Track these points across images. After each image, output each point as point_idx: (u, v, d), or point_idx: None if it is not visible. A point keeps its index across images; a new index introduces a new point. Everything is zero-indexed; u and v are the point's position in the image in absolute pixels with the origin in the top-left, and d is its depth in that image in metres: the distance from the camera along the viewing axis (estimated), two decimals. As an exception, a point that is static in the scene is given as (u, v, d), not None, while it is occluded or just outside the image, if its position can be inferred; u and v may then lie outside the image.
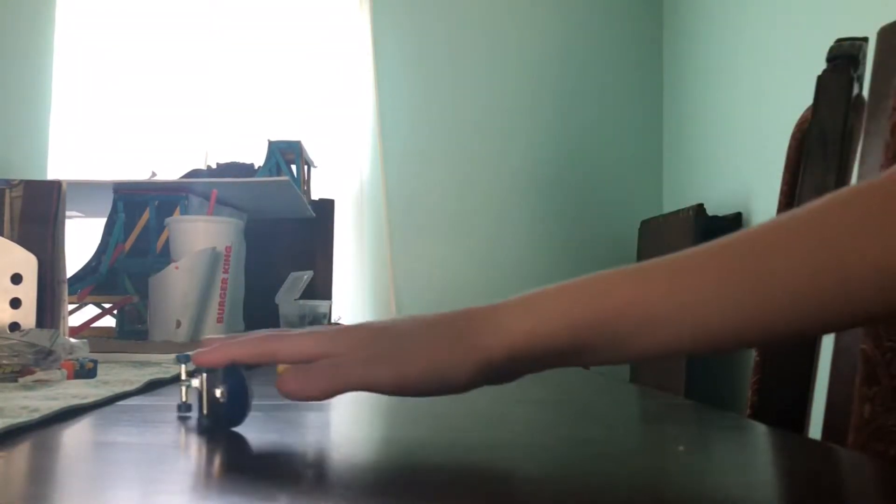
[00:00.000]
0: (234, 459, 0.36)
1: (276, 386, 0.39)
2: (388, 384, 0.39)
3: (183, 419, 0.44)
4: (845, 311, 0.39)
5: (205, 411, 0.41)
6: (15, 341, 0.59)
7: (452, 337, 0.39)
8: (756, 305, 0.38)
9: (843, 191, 0.41)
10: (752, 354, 0.80)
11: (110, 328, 1.13)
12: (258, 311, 1.39)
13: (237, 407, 0.41)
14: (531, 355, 0.39)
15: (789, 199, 0.81)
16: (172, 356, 0.78)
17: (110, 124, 2.74)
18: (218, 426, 0.41)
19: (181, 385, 0.44)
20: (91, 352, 0.68)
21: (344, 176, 2.81)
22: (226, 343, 0.41)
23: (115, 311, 1.12)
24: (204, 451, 0.38)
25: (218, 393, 0.40)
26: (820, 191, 0.75)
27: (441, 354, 0.39)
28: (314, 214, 1.43)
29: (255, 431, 0.43)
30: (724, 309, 0.38)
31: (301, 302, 1.33)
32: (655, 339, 0.39)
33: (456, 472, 0.35)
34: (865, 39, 0.77)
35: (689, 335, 0.39)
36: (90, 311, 1.11)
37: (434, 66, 2.96)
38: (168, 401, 0.54)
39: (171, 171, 1.38)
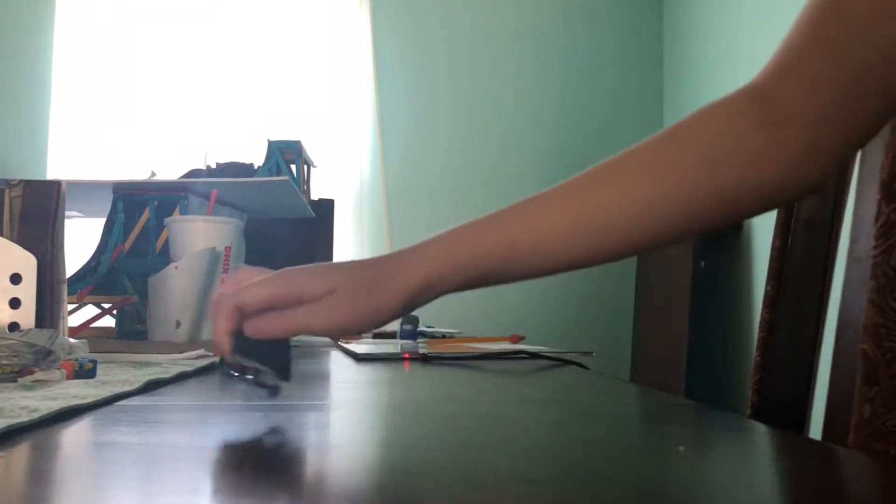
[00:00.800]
0: (233, 459, 0.36)
1: (246, 329, 0.48)
2: (341, 329, 0.49)
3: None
4: (661, 236, 0.51)
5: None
6: (14, 341, 0.59)
7: (384, 281, 0.49)
8: (595, 237, 0.51)
9: (673, 129, 0.53)
10: (753, 355, 0.80)
11: (110, 328, 1.13)
12: (258, 311, 1.39)
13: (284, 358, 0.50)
14: (427, 292, 0.50)
15: (789, 199, 0.81)
16: (172, 356, 0.78)
17: (110, 124, 2.74)
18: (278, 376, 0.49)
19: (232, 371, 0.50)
20: (91, 352, 0.67)
21: (344, 176, 2.81)
22: (278, 320, 0.49)
23: (114, 311, 1.12)
24: (204, 451, 0.38)
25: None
26: (820, 191, 0.75)
27: (376, 300, 0.49)
28: (314, 214, 1.43)
29: (255, 431, 0.43)
30: (569, 242, 0.52)
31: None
32: (521, 269, 0.52)
33: (456, 472, 0.35)
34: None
35: (545, 264, 0.52)
36: (90, 311, 1.11)
37: (434, 66, 2.96)
38: (168, 401, 0.54)
39: (170, 171, 1.39)
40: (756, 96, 0.50)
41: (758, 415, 0.76)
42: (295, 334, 0.48)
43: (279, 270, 0.50)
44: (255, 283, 0.49)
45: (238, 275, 0.52)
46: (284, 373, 0.50)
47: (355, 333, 0.51)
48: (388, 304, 0.49)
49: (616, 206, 0.51)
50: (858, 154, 0.75)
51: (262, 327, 0.48)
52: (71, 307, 1.05)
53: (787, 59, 0.50)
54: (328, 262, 0.55)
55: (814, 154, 0.48)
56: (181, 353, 0.80)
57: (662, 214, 0.50)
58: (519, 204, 0.54)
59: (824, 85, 0.48)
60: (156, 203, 1.11)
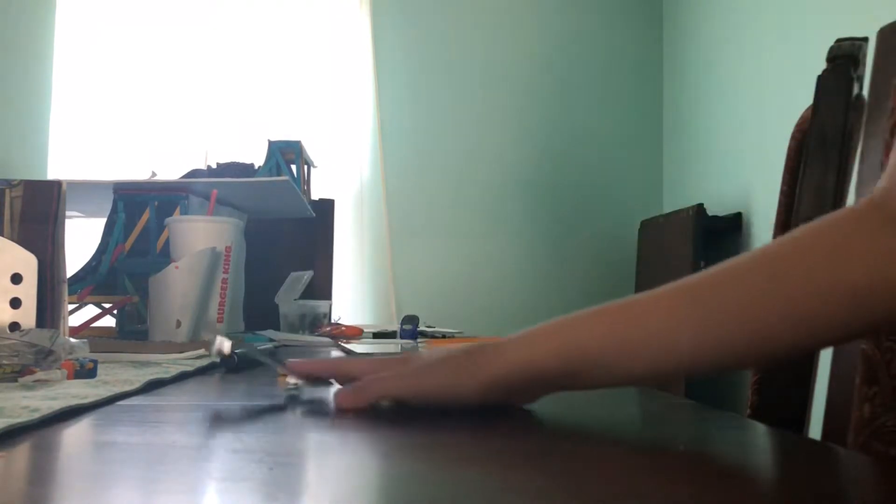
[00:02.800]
0: (233, 459, 0.36)
1: (334, 400, 0.50)
2: (412, 395, 0.49)
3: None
4: (794, 339, 0.46)
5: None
6: (15, 341, 0.59)
7: (465, 362, 0.50)
8: (715, 337, 0.46)
9: (793, 231, 0.49)
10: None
11: (110, 328, 1.13)
12: (258, 311, 1.39)
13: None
14: (526, 378, 0.49)
15: (789, 199, 0.81)
16: (172, 356, 0.78)
17: (110, 124, 2.74)
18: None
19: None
20: (91, 352, 0.68)
21: (344, 176, 2.81)
22: (312, 361, 0.58)
23: (115, 311, 1.12)
24: (204, 451, 0.38)
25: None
26: (820, 191, 0.75)
27: (454, 374, 0.49)
28: (314, 214, 1.43)
29: (256, 431, 0.43)
30: (687, 341, 0.47)
31: (301, 302, 1.33)
32: (634, 365, 0.48)
33: (455, 472, 0.35)
34: (865, 39, 0.77)
35: (661, 362, 0.48)
36: (90, 311, 1.10)
37: (434, 66, 2.96)
38: (168, 401, 0.54)
39: (171, 171, 1.39)
40: (874, 203, 0.48)
41: (758, 415, 0.76)
42: (378, 399, 0.50)
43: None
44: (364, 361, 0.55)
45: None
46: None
47: (439, 404, 0.49)
48: (477, 378, 0.49)
49: (743, 300, 0.46)
50: (858, 154, 0.75)
51: (352, 402, 0.50)
52: (71, 307, 1.05)
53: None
54: (424, 354, 0.56)
55: None
56: (181, 353, 0.80)
57: (788, 313, 0.45)
58: (635, 297, 0.49)
59: None
60: (156, 203, 1.11)
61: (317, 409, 0.51)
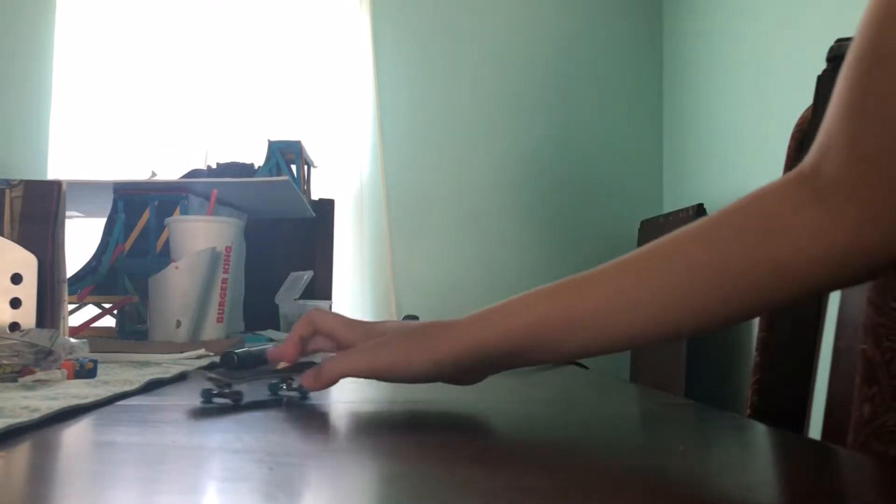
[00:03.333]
0: (233, 459, 0.36)
1: (302, 384, 0.52)
2: (367, 370, 0.51)
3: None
4: (725, 309, 0.48)
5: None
6: (15, 341, 0.59)
7: (419, 340, 0.52)
8: (654, 308, 0.48)
9: (728, 206, 0.51)
10: (753, 354, 0.80)
11: (110, 328, 1.13)
12: (258, 311, 1.39)
13: None
14: (476, 358, 0.50)
15: (789, 199, 0.81)
16: (172, 356, 0.78)
17: (110, 124, 2.74)
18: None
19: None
20: (91, 352, 0.68)
21: (344, 176, 2.81)
22: (280, 346, 0.57)
23: (115, 311, 1.12)
24: (204, 451, 0.38)
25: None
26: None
27: (404, 353, 0.51)
28: (314, 214, 1.43)
29: (255, 431, 0.43)
30: (628, 314, 0.49)
31: (301, 302, 1.33)
32: (577, 341, 0.50)
33: (453, 471, 0.35)
34: (865, 39, 0.76)
35: (603, 337, 0.49)
36: (90, 311, 1.10)
37: (434, 66, 2.96)
38: (168, 401, 0.54)
39: (171, 171, 1.39)
40: (803, 175, 0.49)
41: (758, 415, 0.76)
42: (339, 378, 0.52)
43: (346, 320, 0.56)
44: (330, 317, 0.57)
45: (311, 312, 0.58)
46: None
47: (392, 379, 0.52)
48: (429, 356, 0.50)
49: (676, 272, 0.48)
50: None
51: (314, 384, 0.52)
52: (71, 307, 1.04)
53: (829, 135, 0.48)
54: (389, 322, 0.57)
55: (871, 222, 0.46)
56: (181, 352, 0.80)
57: (721, 285, 0.48)
58: (580, 275, 0.52)
59: (871, 153, 0.46)
60: (156, 203, 1.11)
61: (313, 407, 0.51)
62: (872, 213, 0.46)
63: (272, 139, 1.39)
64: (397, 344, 0.52)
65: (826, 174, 0.47)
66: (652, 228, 2.73)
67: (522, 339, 0.50)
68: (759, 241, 0.48)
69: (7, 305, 0.70)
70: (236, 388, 0.53)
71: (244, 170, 1.37)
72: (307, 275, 1.39)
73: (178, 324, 0.95)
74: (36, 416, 0.42)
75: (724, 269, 0.47)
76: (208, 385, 0.53)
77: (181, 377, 0.66)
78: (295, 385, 0.55)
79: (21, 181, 0.75)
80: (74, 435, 0.42)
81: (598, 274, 0.51)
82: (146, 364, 0.72)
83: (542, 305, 0.50)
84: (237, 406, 0.51)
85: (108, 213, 1.14)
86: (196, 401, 0.53)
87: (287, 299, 1.34)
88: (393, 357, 0.51)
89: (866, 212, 0.46)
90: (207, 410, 0.50)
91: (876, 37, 0.44)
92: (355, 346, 0.53)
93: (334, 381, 0.51)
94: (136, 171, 2.45)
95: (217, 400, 0.52)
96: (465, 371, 0.51)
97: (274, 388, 0.55)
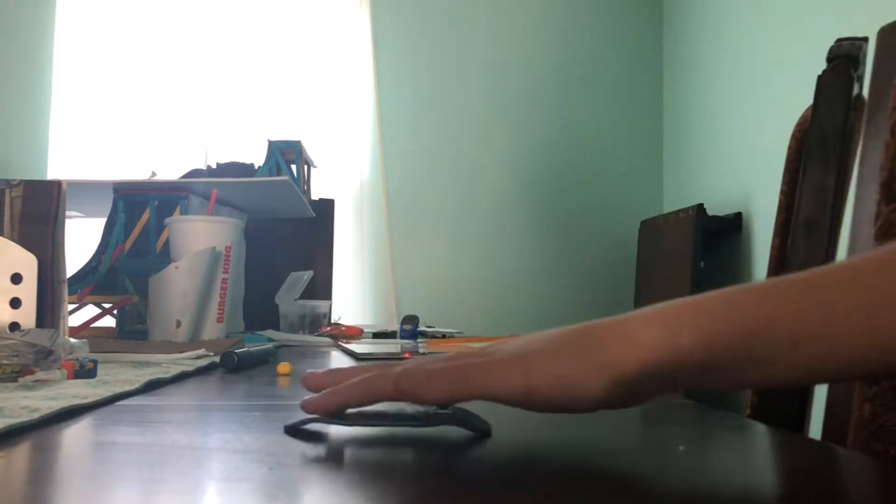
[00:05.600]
0: (233, 459, 0.36)
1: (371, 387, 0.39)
2: (514, 391, 0.36)
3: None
4: None
5: None
6: (15, 341, 0.59)
7: (581, 349, 0.36)
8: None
9: None
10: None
11: (110, 328, 1.13)
12: (258, 311, 1.39)
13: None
14: (665, 371, 0.35)
15: (789, 199, 0.81)
16: (172, 356, 0.78)
17: (110, 124, 2.74)
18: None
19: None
20: (91, 352, 0.68)
21: (344, 176, 2.81)
22: (335, 390, 0.41)
23: (115, 311, 1.12)
24: (204, 451, 0.38)
25: None
26: (820, 191, 0.75)
27: (570, 366, 0.35)
28: (314, 214, 1.43)
29: (255, 431, 0.43)
30: (877, 327, 0.33)
31: (301, 302, 1.33)
32: (799, 359, 0.34)
33: (454, 472, 0.35)
34: (865, 39, 0.77)
35: (837, 356, 0.34)
36: (90, 311, 1.11)
37: (434, 67, 2.96)
38: (168, 401, 0.54)
39: (171, 171, 1.39)
40: None
41: (758, 415, 0.76)
42: (456, 399, 0.38)
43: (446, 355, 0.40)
44: (421, 369, 0.39)
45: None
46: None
47: (549, 408, 0.36)
48: (604, 370, 0.35)
49: None
50: (858, 154, 0.75)
51: (429, 396, 0.38)
52: (71, 307, 1.05)
53: None
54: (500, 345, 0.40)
55: None
56: (181, 352, 0.80)
57: None
58: (816, 270, 0.36)
59: None
60: (156, 203, 1.11)
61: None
62: None
63: (272, 139, 1.39)
64: (551, 356, 0.36)
65: None
66: (652, 228, 2.73)
67: (726, 346, 0.34)
68: None
69: (7, 305, 0.70)
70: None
71: (244, 170, 1.37)
72: (307, 275, 1.39)
73: (178, 324, 0.95)
74: (36, 416, 0.42)
75: None
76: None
77: (181, 377, 0.66)
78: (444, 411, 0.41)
79: (21, 181, 0.75)
80: (74, 435, 0.42)
81: (851, 268, 0.35)
82: (146, 364, 0.72)
83: (764, 304, 0.35)
84: (236, 406, 0.51)
85: (108, 213, 1.14)
86: (196, 401, 0.53)
87: (287, 299, 1.34)
88: (552, 377, 0.35)
89: None
90: (207, 410, 0.50)
91: None
92: (476, 360, 0.37)
93: (452, 402, 0.37)
94: (136, 171, 2.45)
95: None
96: (647, 395, 0.36)
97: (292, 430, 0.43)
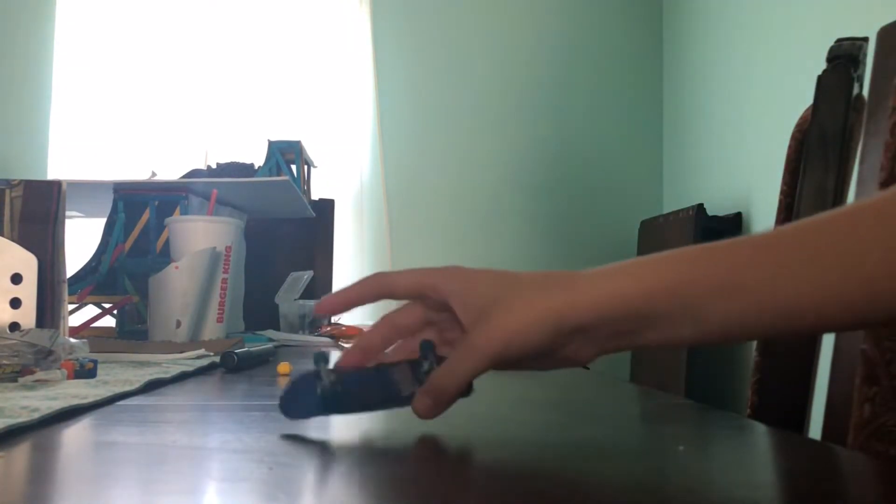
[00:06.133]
0: (233, 459, 0.36)
1: (414, 410, 0.41)
2: (486, 361, 0.40)
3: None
4: None
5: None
6: (15, 341, 0.59)
7: (531, 296, 0.40)
8: (841, 282, 0.37)
9: None
10: (753, 354, 0.80)
11: (110, 328, 1.13)
12: (258, 311, 1.39)
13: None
14: (604, 319, 0.39)
15: (789, 198, 0.81)
16: (172, 356, 0.78)
17: (110, 124, 2.74)
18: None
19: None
20: (91, 352, 0.68)
21: (344, 176, 2.81)
22: (341, 291, 0.45)
23: (115, 311, 1.12)
24: (204, 451, 0.38)
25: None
26: (820, 191, 0.75)
27: (522, 315, 0.39)
28: (314, 214, 1.43)
29: (255, 431, 0.43)
30: (808, 281, 0.37)
31: (301, 302, 1.33)
32: (734, 309, 0.38)
33: (454, 472, 0.35)
34: (865, 39, 0.77)
35: (770, 307, 0.38)
36: (90, 311, 1.11)
37: (434, 67, 2.96)
38: (168, 401, 0.54)
39: (171, 171, 1.39)
40: None
41: (758, 415, 0.76)
42: (460, 388, 0.41)
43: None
44: (404, 272, 0.44)
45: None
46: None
47: (506, 366, 0.41)
48: (552, 314, 0.39)
49: (888, 241, 0.36)
50: (858, 154, 0.75)
51: (431, 408, 0.41)
52: (71, 307, 1.05)
53: None
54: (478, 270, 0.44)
55: None
56: (181, 353, 0.80)
57: None
58: (731, 240, 0.40)
59: None
60: (156, 203, 1.11)
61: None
62: None
63: (272, 139, 1.39)
64: (504, 311, 0.40)
65: None
66: (652, 228, 2.73)
67: (663, 298, 0.38)
68: None
69: (7, 305, 0.70)
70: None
71: (244, 170, 1.37)
72: (307, 275, 1.39)
73: (178, 324, 0.95)
74: (36, 416, 0.42)
75: None
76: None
77: (181, 377, 0.66)
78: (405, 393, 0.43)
79: (21, 181, 0.75)
80: (74, 435, 0.42)
81: (754, 239, 0.40)
82: (146, 364, 0.72)
83: (701, 263, 0.39)
84: (236, 406, 0.51)
85: (108, 213, 1.14)
86: (195, 401, 0.53)
87: (287, 299, 1.34)
88: (508, 328, 0.39)
89: None
90: (207, 410, 0.50)
91: None
92: (454, 293, 0.41)
93: (456, 394, 0.41)
94: (136, 171, 2.44)
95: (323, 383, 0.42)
96: (588, 339, 0.40)
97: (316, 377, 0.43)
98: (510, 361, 0.40)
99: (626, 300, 0.39)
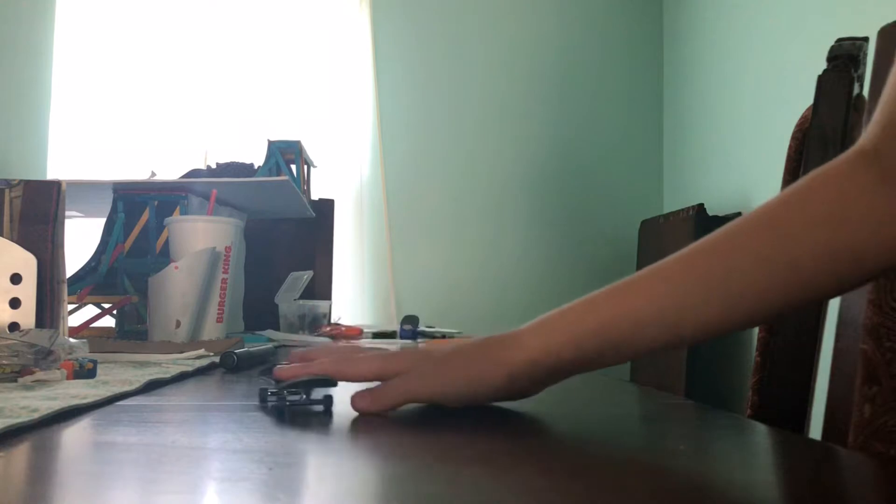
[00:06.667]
0: (233, 459, 0.36)
1: (351, 404, 0.49)
2: (436, 395, 0.49)
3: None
4: (798, 297, 0.47)
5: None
6: (14, 341, 0.59)
7: (483, 356, 0.49)
8: (720, 302, 0.47)
9: (789, 191, 0.49)
10: (753, 355, 0.80)
11: (110, 328, 1.13)
12: (258, 311, 1.39)
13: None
14: (546, 365, 0.48)
15: (789, 199, 0.81)
16: (172, 356, 0.78)
17: (110, 124, 2.74)
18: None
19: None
20: (91, 352, 0.68)
21: (344, 176, 2.81)
22: (304, 365, 0.53)
23: (114, 311, 1.12)
24: (204, 451, 0.38)
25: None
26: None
27: (474, 370, 0.49)
28: (314, 214, 1.43)
29: (255, 431, 0.43)
30: (693, 308, 0.48)
31: (301, 302, 1.33)
32: (644, 340, 0.48)
33: (454, 472, 0.35)
34: (866, 39, 0.77)
35: (669, 333, 0.48)
36: (90, 311, 1.11)
37: (434, 66, 2.96)
38: (168, 401, 0.54)
39: (171, 171, 1.39)
40: (867, 155, 0.48)
41: (758, 415, 0.76)
42: (401, 404, 0.49)
43: (385, 352, 0.52)
44: (363, 359, 0.51)
45: (342, 348, 0.56)
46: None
47: (468, 401, 0.49)
48: (503, 368, 0.48)
49: (747, 264, 0.47)
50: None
51: (369, 405, 0.49)
52: (71, 307, 1.05)
53: (888, 116, 0.48)
54: (432, 349, 0.54)
55: None
56: (181, 353, 0.80)
57: (796, 272, 0.47)
58: (641, 273, 0.50)
59: None
60: (156, 203, 1.11)
61: (314, 409, 0.51)
62: None
63: (272, 139, 1.39)
64: (463, 363, 0.49)
65: (890, 156, 0.47)
66: (652, 228, 2.73)
67: (589, 342, 0.48)
68: (830, 231, 0.47)
69: (7, 305, 0.70)
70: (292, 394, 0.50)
71: (244, 170, 1.37)
72: (307, 275, 1.39)
73: (178, 324, 0.95)
74: (36, 416, 0.42)
75: (795, 262, 0.46)
76: (265, 384, 0.51)
77: (181, 377, 0.66)
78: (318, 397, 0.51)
79: (21, 181, 0.75)
80: (74, 435, 0.42)
81: (660, 271, 0.49)
82: (146, 364, 0.72)
83: (607, 307, 0.49)
84: (236, 406, 0.51)
85: (107, 213, 1.14)
86: (195, 401, 0.53)
87: (287, 299, 1.34)
88: (465, 375, 0.49)
89: None
90: (207, 410, 0.50)
91: None
92: (414, 369, 0.49)
93: (395, 407, 0.49)
94: (136, 171, 2.45)
95: (271, 400, 0.50)
96: (537, 382, 0.50)
97: (263, 395, 0.51)
98: (453, 403, 0.49)
99: (557, 353, 0.48)
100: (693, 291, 0.48)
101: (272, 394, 0.50)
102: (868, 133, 0.50)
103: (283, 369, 0.52)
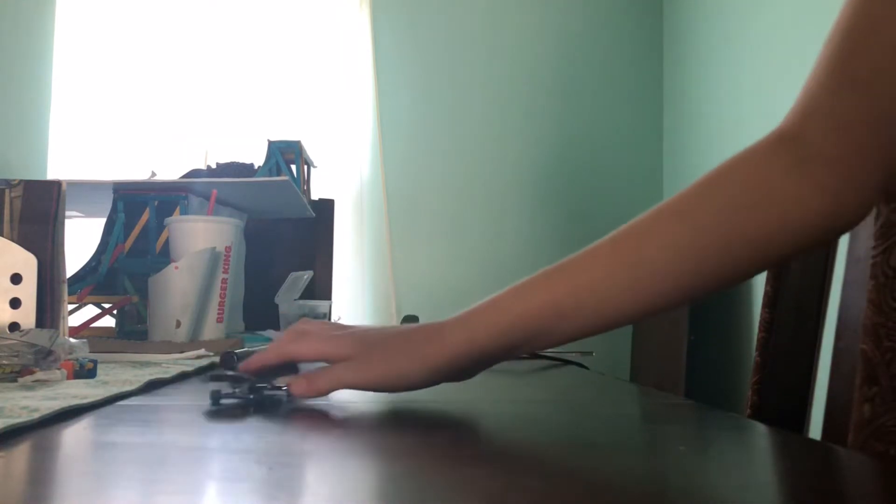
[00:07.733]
0: (233, 459, 0.36)
1: (289, 389, 0.51)
2: (363, 385, 0.51)
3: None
4: (710, 283, 0.49)
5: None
6: (15, 341, 0.59)
7: (406, 352, 0.51)
8: (639, 288, 0.49)
9: (705, 178, 0.51)
10: (753, 355, 0.80)
11: (110, 328, 1.13)
12: (258, 311, 1.39)
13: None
14: (471, 357, 0.51)
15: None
16: (172, 356, 0.78)
17: (110, 124, 2.74)
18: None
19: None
20: (91, 352, 0.68)
21: (344, 176, 2.81)
22: (259, 353, 0.55)
23: (114, 311, 1.12)
24: (204, 451, 0.38)
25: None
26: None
27: (400, 363, 0.50)
28: (314, 214, 1.43)
29: (255, 431, 0.43)
30: (614, 296, 0.50)
31: (301, 302, 1.33)
32: (567, 328, 0.50)
33: (454, 471, 0.35)
34: (865, 39, 0.76)
35: (592, 321, 0.50)
36: (90, 311, 1.10)
37: (434, 67, 2.96)
38: (168, 401, 0.54)
39: (171, 171, 1.38)
40: (784, 139, 0.50)
41: (758, 415, 0.76)
42: (332, 391, 0.51)
43: (333, 333, 0.53)
44: (310, 340, 0.53)
45: (298, 326, 0.56)
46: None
47: (389, 391, 0.52)
48: (423, 364, 0.50)
49: (657, 253, 0.49)
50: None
51: (305, 391, 0.51)
52: (71, 307, 1.04)
53: (811, 100, 0.50)
54: (376, 327, 0.56)
55: (850, 190, 0.48)
56: (181, 353, 0.80)
57: (704, 260, 0.49)
58: (562, 262, 0.52)
59: (852, 121, 0.48)
60: (156, 203, 1.11)
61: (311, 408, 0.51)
62: (853, 182, 0.48)
63: (272, 139, 1.39)
64: (390, 355, 0.51)
65: (809, 141, 0.49)
66: (652, 228, 2.73)
67: (514, 333, 0.50)
68: (739, 218, 0.48)
69: (7, 305, 0.70)
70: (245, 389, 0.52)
71: (244, 170, 1.37)
72: (307, 275, 1.39)
73: (178, 324, 0.95)
74: (36, 416, 0.42)
75: (709, 248, 0.48)
76: (216, 387, 0.52)
77: (181, 377, 0.66)
78: (282, 386, 0.52)
79: (21, 181, 0.75)
80: (74, 435, 0.42)
81: (579, 260, 0.51)
82: (146, 364, 0.72)
83: (529, 297, 0.51)
84: (236, 406, 0.51)
85: (107, 213, 1.14)
86: (195, 401, 0.53)
87: (287, 299, 1.34)
88: (388, 369, 0.50)
89: (847, 181, 0.48)
90: (207, 410, 0.50)
91: (867, 7, 0.46)
92: (349, 357, 0.51)
93: (327, 392, 0.51)
94: (136, 171, 2.45)
95: (226, 401, 0.51)
96: (461, 371, 0.52)
97: (216, 397, 0.51)
98: (381, 390, 0.52)
99: (481, 345, 0.50)
100: (611, 280, 0.50)
101: (225, 394, 0.51)
102: (790, 116, 0.51)
103: (248, 362, 0.55)
